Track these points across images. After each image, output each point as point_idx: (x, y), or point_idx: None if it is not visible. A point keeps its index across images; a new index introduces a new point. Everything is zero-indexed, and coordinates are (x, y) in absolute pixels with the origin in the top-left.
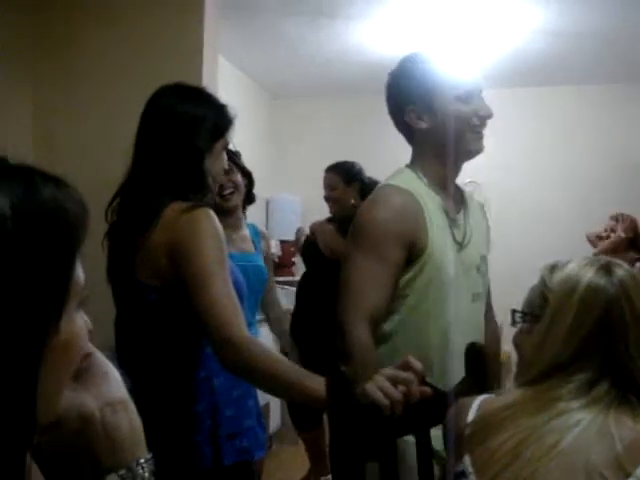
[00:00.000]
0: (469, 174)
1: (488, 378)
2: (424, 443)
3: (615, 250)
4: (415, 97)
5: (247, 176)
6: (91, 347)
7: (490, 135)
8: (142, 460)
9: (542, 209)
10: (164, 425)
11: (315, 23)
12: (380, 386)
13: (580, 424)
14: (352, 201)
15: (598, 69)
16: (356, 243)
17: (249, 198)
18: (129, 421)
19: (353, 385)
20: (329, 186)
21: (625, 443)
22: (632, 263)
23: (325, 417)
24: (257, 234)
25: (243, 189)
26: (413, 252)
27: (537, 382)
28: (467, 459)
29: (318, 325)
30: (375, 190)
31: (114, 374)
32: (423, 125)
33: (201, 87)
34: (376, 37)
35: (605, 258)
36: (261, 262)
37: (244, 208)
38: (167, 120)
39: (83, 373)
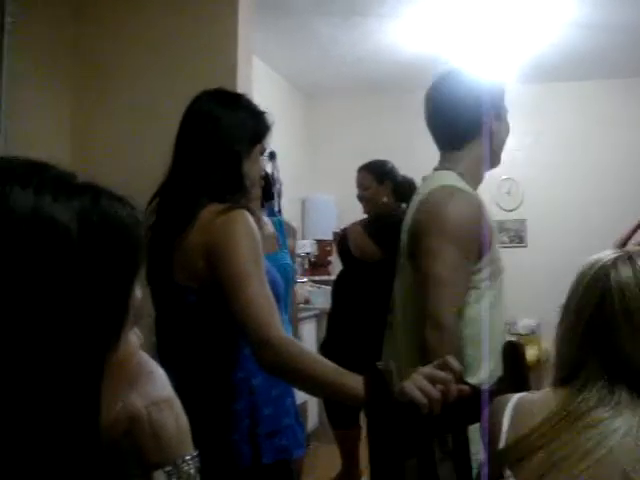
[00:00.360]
0: (506, 171)
1: (526, 377)
2: (461, 441)
3: None
4: (493, 106)
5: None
6: (140, 351)
7: (527, 132)
8: (188, 457)
9: (577, 205)
10: (203, 424)
11: (348, 22)
12: (418, 385)
13: (617, 432)
14: (384, 199)
15: (633, 63)
16: (444, 238)
17: (266, 196)
18: (175, 419)
19: (391, 383)
20: (361, 185)
21: None
22: None
23: (362, 417)
24: (281, 229)
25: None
26: (483, 247)
27: (561, 383)
28: (508, 472)
29: (354, 323)
30: (445, 189)
31: (159, 373)
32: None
33: (241, 93)
34: (408, 35)
35: (634, 249)
36: (286, 259)
37: (262, 206)
38: (207, 124)
39: (129, 373)
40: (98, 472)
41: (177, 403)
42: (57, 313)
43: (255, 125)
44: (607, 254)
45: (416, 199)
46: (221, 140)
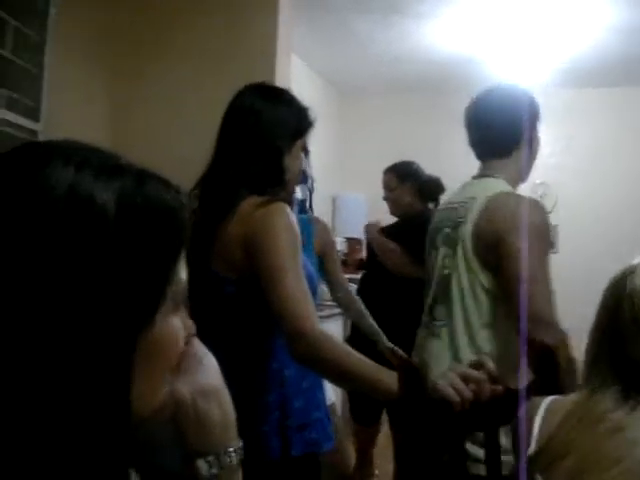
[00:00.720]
0: (540, 175)
1: (558, 379)
2: (493, 441)
3: None
4: (533, 117)
5: None
6: (194, 339)
7: (560, 137)
8: (231, 449)
9: (608, 211)
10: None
11: (386, 21)
12: (452, 383)
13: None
14: (408, 199)
15: None
16: (543, 242)
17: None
18: (221, 409)
19: (425, 380)
20: (387, 186)
21: None
22: None
23: (384, 416)
24: (308, 227)
25: None
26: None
27: (585, 387)
28: (539, 477)
29: (377, 323)
30: (510, 195)
31: (211, 362)
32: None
33: (284, 88)
34: (445, 36)
35: None
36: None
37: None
38: (249, 118)
39: (180, 360)
40: (126, 454)
41: (225, 394)
42: (88, 290)
43: (297, 120)
44: (635, 261)
45: (472, 205)
46: (263, 134)
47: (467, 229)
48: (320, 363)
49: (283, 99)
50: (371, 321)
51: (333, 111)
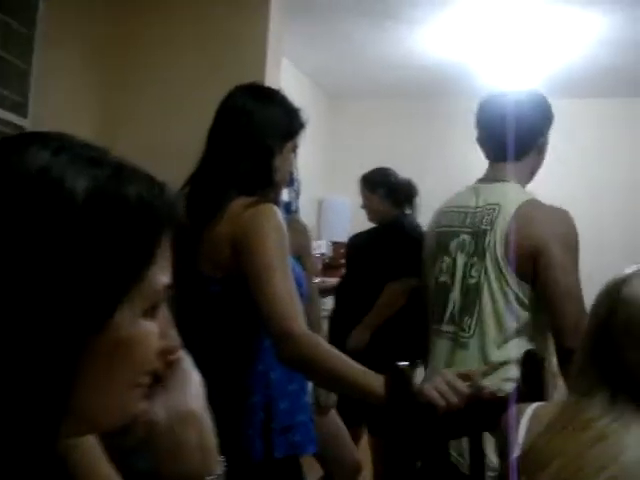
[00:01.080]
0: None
1: (543, 386)
2: (477, 446)
3: None
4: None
5: None
6: (181, 354)
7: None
8: (209, 478)
9: (593, 220)
10: (217, 417)
11: (378, 26)
12: (437, 387)
13: (630, 448)
14: (381, 207)
15: None
16: (576, 254)
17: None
18: (200, 436)
19: (411, 383)
20: (362, 196)
21: None
22: None
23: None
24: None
25: None
26: None
27: (572, 394)
28: None
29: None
30: (536, 203)
31: (194, 382)
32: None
33: (275, 89)
34: (438, 42)
35: None
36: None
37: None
38: (240, 118)
39: (163, 381)
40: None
41: (206, 419)
42: (41, 274)
43: (289, 121)
44: (629, 269)
45: (498, 213)
46: (253, 134)
47: (496, 238)
48: (306, 365)
49: (275, 100)
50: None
51: (322, 114)
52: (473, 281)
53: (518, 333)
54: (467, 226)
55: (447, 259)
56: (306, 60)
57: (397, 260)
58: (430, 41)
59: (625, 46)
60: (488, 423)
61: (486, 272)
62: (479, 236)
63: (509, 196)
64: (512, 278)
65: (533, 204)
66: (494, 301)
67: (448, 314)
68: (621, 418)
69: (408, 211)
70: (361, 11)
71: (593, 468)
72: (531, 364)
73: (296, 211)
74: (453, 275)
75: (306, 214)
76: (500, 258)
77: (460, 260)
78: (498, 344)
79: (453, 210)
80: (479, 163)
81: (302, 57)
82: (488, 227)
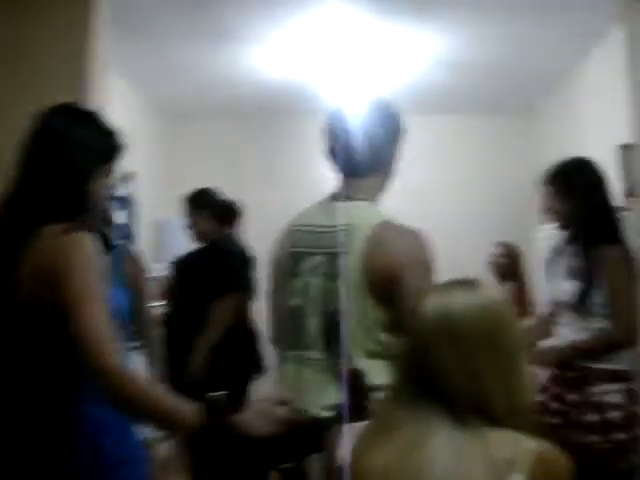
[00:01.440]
0: None
1: (366, 404)
2: (300, 471)
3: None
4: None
5: None
6: None
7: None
8: None
9: (440, 231)
10: (41, 454)
11: (212, 45)
12: (250, 417)
13: (442, 457)
14: (204, 227)
15: (487, 100)
16: (431, 277)
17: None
18: None
19: (226, 413)
20: (187, 216)
21: (483, 473)
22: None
23: None
24: (119, 256)
25: None
26: None
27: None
28: None
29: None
30: (405, 227)
31: None
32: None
33: (90, 110)
34: (273, 61)
35: (475, 279)
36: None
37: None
38: (52, 140)
39: None
40: None
41: None
42: None
43: (104, 144)
44: (449, 280)
45: (354, 234)
46: (65, 157)
47: (353, 260)
48: (120, 398)
49: (89, 121)
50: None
51: (160, 135)
52: (331, 305)
53: (376, 353)
54: (321, 247)
55: (300, 281)
56: (144, 81)
57: (222, 278)
58: (268, 60)
59: (456, 66)
60: (313, 446)
61: (344, 295)
62: (335, 258)
63: (362, 217)
64: (371, 302)
65: (386, 226)
66: (355, 324)
67: (306, 339)
68: (432, 427)
69: (229, 232)
70: (196, 30)
71: (410, 476)
72: (355, 383)
73: (130, 235)
74: (308, 298)
75: (145, 237)
76: (358, 282)
77: (315, 282)
78: (361, 367)
79: (303, 229)
80: (325, 180)
81: (139, 78)
82: (344, 249)
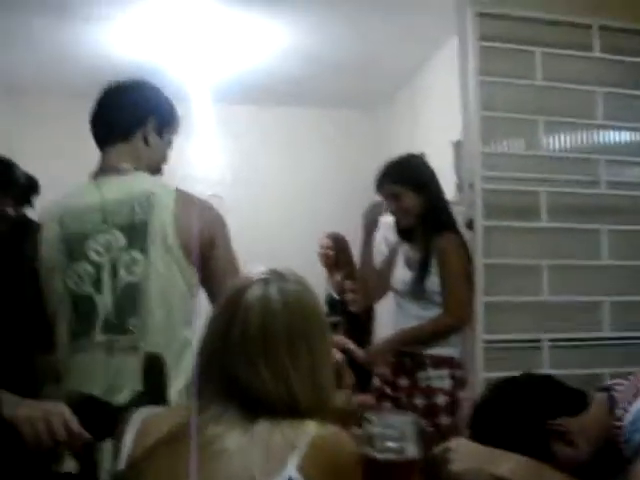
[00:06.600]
0: (212, 188)
1: (165, 391)
2: (90, 457)
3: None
4: (157, 117)
5: None
6: None
7: (234, 150)
8: None
9: (279, 222)
10: None
11: (51, 22)
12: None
13: (227, 452)
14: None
15: (335, 94)
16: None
17: None
18: None
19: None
20: None
21: (259, 456)
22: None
23: None
24: None
25: None
26: None
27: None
28: None
29: None
30: (196, 195)
31: None
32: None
33: None
34: (123, 40)
35: (276, 271)
36: None
37: None
38: None
39: None
40: None
41: None
42: None
43: None
44: (255, 273)
45: (148, 207)
46: None
47: (161, 231)
48: None
49: None
50: None
51: (5, 114)
52: (133, 279)
53: (189, 322)
54: (111, 223)
55: (84, 265)
56: None
57: None
58: (114, 40)
59: (304, 57)
60: (102, 434)
61: (150, 267)
62: (135, 229)
63: (153, 184)
64: (184, 266)
65: (184, 193)
66: (163, 294)
67: (100, 323)
68: (230, 424)
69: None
70: (39, 7)
71: (203, 473)
72: (152, 369)
73: None
74: (98, 281)
75: None
76: (171, 247)
77: (107, 262)
78: (168, 337)
79: (80, 210)
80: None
81: None
82: (145, 218)
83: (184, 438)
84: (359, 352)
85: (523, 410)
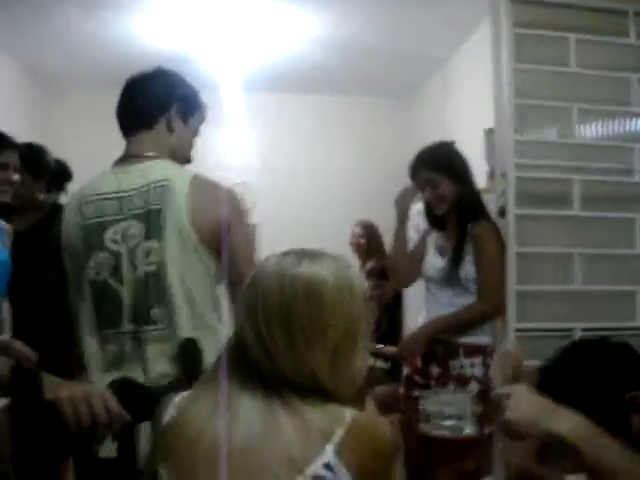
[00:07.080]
0: (241, 175)
1: (200, 374)
2: (128, 439)
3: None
4: (182, 104)
5: None
6: None
7: (263, 138)
8: None
9: (309, 210)
10: None
11: (86, 11)
12: (74, 400)
13: (250, 423)
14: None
15: (365, 82)
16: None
17: None
18: None
19: (41, 385)
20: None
21: (296, 441)
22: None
23: None
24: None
25: None
26: None
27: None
28: (163, 471)
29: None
30: (203, 178)
31: None
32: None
33: None
34: (148, 29)
35: (313, 251)
36: (4, 257)
37: None
38: None
39: None
40: None
41: None
42: None
43: None
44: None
45: (166, 194)
46: None
47: (176, 214)
48: None
49: None
50: None
51: (40, 103)
52: (151, 268)
53: (213, 307)
54: (128, 211)
55: (103, 254)
56: (19, 49)
57: None
58: (144, 29)
59: (331, 46)
60: (141, 417)
61: (169, 255)
62: (151, 217)
63: (171, 172)
64: (203, 252)
65: (201, 179)
66: (184, 282)
67: (125, 313)
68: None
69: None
70: None
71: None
72: (188, 353)
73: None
74: (117, 269)
75: None
76: (187, 234)
77: (125, 250)
78: (193, 324)
79: (98, 198)
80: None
81: (14, 45)
82: (160, 206)
83: (219, 420)
84: (390, 350)
85: (604, 378)
